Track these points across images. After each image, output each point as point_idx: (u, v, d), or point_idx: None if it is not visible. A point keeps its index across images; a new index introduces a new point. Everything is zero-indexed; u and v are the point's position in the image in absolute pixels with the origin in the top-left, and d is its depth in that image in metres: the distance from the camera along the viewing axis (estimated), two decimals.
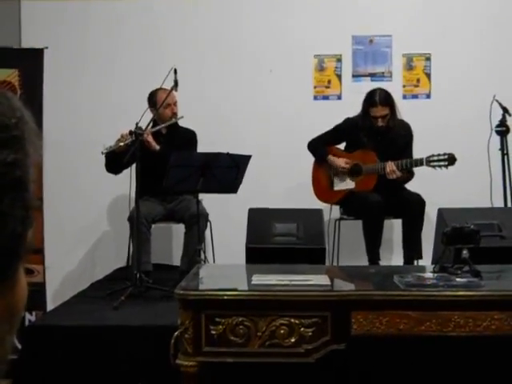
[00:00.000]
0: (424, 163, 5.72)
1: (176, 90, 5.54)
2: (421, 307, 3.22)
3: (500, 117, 6.10)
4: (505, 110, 6.10)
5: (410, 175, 5.94)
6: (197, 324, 3.15)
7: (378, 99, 5.86)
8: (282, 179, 6.76)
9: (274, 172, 6.76)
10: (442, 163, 5.69)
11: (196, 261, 5.19)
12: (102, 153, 5.51)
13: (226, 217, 6.35)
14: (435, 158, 5.70)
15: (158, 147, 5.73)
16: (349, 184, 6.04)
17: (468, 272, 3.53)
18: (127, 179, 5.57)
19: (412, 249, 5.69)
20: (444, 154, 5.69)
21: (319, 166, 6.16)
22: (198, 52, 6.90)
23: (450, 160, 5.68)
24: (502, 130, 6.09)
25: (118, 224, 6.62)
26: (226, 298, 3.16)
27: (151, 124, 5.68)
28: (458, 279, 3.45)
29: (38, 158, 0.97)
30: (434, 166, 5.71)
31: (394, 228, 6.39)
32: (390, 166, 5.76)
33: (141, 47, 6.90)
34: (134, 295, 5.12)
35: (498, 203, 6.05)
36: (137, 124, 5.41)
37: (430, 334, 3.23)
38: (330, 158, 6.08)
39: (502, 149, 6.11)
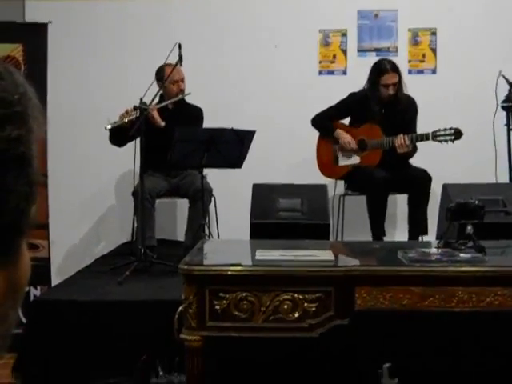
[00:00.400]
0: (430, 138, 5.71)
1: (181, 65, 5.53)
2: (424, 283, 3.22)
3: (506, 92, 6.08)
4: (511, 85, 6.08)
5: (414, 150, 5.93)
6: (201, 299, 3.15)
7: (389, 66, 5.89)
8: (287, 154, 6.75)
9: (278, 147, 6.76)
10: (448, 137, 5.68)
11: (200, 236, 5.20)
12: (106, 128, 5.50)
13: (231, 192, 6.35)
14: (441, 133, 5.69)
15: (162, 124, 5.72)
16: (354, 159, 6.03)
17: (472, 247, 3.53)
18: (131, 154, 5.57)
19: (417, 225, 5.69)
20: (450, 129, 5.68)
21: (324, 141, 6.15)
22: (202, 27, 6.88)
23: (456, 134, 5.66)
24: (508, 105, 6.06)
25: (122, 199, 6.64)
26: (229, 273, 3.17)
27: (157, 99, 5.68)
28: (461, 255, 3.45)
29: (41, 133, 0.97)
30: (440, 141, 5.70)
31: (398, 203, 6.38)
32: (402, 138, 5.74)
33: (145, 22, 6.88)
34: (139, 270, 5.14)
35: (503, 179, 6.05)
36: (141, 99, 5.40)
37: (433, 309, 3.23)
38: (338, 131, 6.06)
39: (507, 124, 6.08)
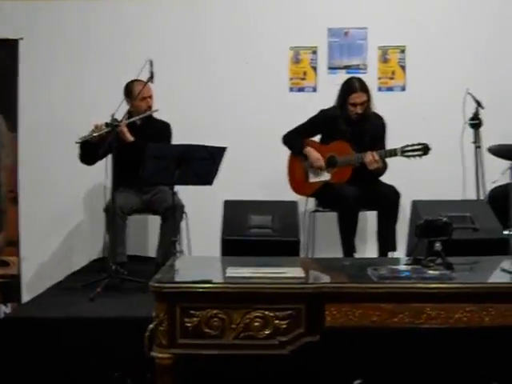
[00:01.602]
0: (399, 153, 5.78)
1: (152, 82, 5.54)
2: (394, 299, 3.25)
3: (473, 110, 6.16)
4: (478, 103, 6.17)
5: (384, 167, 5.98)
6: (171, 316, 3.16)
7: (358, 85, 5.94)
8: (258, 171, 6.78)
9: (249, 164, 6.78)
10: (416, 153, 5.75)
11: (172, 252, 5.20)
12: (76, 142, 5.51)
13: (202, 209, 6.36)
14: (409, 148, 5.75)
15: (132, 139, 5.73)
16: (324, 176, 6.07)
17: (441, 264, 3.56)
18: (103, 170, 5.56)
19: (386, 241, 5.74)
20: (418, 144, 5.75)
21: (294, 159, 6.18)
22: (173, 44, 6.91)
23: (424, 150, 5.73)
24: (475, 123, 6.16)
25: (93, 215, 6.62)
26: (200, 290, 3.18)
27: (126, 115, 5.69)
28: (430, 271, 3.48)
29: (8, 162, 0.99)
30: (408, 156, 5.76)
31: (368, 220, 6.42)
32: (373, 155, 5.80)
33: (116, 39, 6.89)
34: (110, 287, 5.14)
35: (471, 195, 6.12)
36: (113, 115, 5.42)
37: (402, 325, 3.26)
38: (307, 149, 6.10)
39: (475, 142, 6.17)
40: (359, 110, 5.94)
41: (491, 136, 6.04)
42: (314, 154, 6.07)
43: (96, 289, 5.00)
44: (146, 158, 5.20)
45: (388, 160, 5.92)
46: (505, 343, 3.11)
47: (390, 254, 5.71)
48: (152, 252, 6.07)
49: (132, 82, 5.87)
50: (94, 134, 5.45)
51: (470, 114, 6.19)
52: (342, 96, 6.00)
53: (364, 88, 5.96)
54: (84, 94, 6.81)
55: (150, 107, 5.94)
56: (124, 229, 5.72)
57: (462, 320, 3.25)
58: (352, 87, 5.95)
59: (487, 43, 6.85)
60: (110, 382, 4.19)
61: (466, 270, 3.86)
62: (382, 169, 5.95)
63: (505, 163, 5.62)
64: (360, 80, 6.03)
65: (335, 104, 6.07)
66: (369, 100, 5.98)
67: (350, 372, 4.21)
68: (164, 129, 6.09)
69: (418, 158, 5.74)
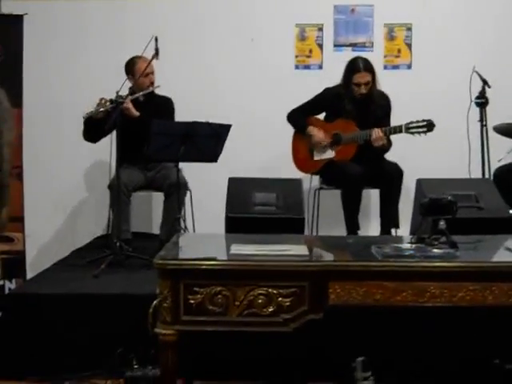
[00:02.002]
0: (403, 130, 5.76)
1: (157, 59, 5.52)
2: (397, 278, 3.24)
3: (480, 88, 6.14)
4: (484, 81, 6.14)
5: (389, 144, 5.97)
6: (175, 293, 3.16)
7: (362, 65, 5.92)
8: (263, 149, 6.78)
9: (254, 141, 6.77)
10: (420, 129, 5.73)
11: (176, 229, 5.22)
12: (83, 117, 5.52)
13: (206, 186, 6.36)
14: (414, 125, 5.74)
15: (137, 114, 5.72)
16: (328, 153, 6.06)
17: (445, 243, 3.56)
18: (107, 147, 5.58)
19: (389, 219, 5.74)
20: (423, 121, 5.73)
21: (299, 136, 6.18)
22: (178, 21, 6.88)
23: (429, 126, 5.72)
24: (481, 101, 6.13)
25: (97, 192, 6.62)
26: (204, 267, 3.18)
27: (130, 92, 5.69)
28: (434, 250, 3.48)
29: (10, 137, 0.98)
30: (412, 133, 5.75)
31: (371, 197, 6.42)
32: (377, 132, 5.79)
33: (122, 14, 6.87)
34: (114, 263, 5.16)
35: (477, 174, 6.11)
36: (117, 92, 5.42)
37: (406, 304, 3.26)
38: (310, 128, 6.10)
39: (481, 120, 6.15)
40: (363, 89, 5.93)
41: (497, 115, 6.01)
42: (316, 134, 6.06)
43: (100, 265, 5.02)
44: (151, 134, 5.21)
45: (393, 138, 5.91)
46: (507, 322, 3.11)
47: (393, 232, 5.72)
48: (156, 229, 6.08)
49: (133, 58, 5.88)
50: (100, 110, 5.45)
51: (476, 93, 6.16)
52: (346, 75, 5.99)
53: (368, 68, 5.93)
54: (89, 71, 6.80)
55: (152, 83, 5.93)
56: (128, 205, 5.73)
57: (465, 299, 3.25)
58: (356, 67, 5.93)
59: (495, 21, 6.83)
60: (113, 358, 4.22)
61: (470, 248, 3.86)
62: (387, 146, 5.94)
63: (510, 142, 5.61)
64: (365, 60, 6.00)
65: (340, 82, 6.05)
66: (373, 80, 5.96)
67: (352, 350, 4.23)
68: (166, 104, 6.09)
69: (422, 134, 5.73)
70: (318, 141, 6.05)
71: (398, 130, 5.80)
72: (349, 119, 5.97)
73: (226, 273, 3.19)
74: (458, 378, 4.13)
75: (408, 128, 5.75)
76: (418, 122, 5.73)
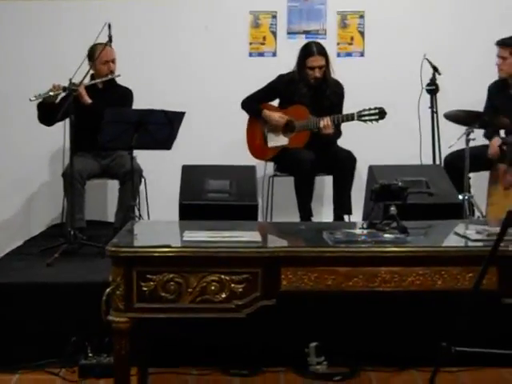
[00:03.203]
0: (355, 118, 5.83)
1: (110, 46, 5.55)
2: (348, 263, 3.27)
3: (430, 75, 6.21)
4: (435, 68, 6.21)
5: (338, 134, 6.03)
6: (128, 281, 3.16)
7: (316, 49, 5.98)
8: (218, 136, 6.79)
9: (208, 129, 6.79)
10: (372, 117, 5.81)
11: (130, 217, 5.22)
12: (30, 100, 5.47)
13: (161, 173, 6.36)
14: (366, 113, 5.82)
15: (89, 101, 5.70)
16: (282, 140, 6.10)
17: (395, 228, 3.60)
18: (61, 134, 5.55)
19: (342, 205, 5.81)
20: (374, 108, 5.82)
21: (253, 123, 6.20)
22: (133, 8, 6.85)
23: (380, 114, 5.80)
24: (432, 88, 6.21)
25: (53, 180, 6.59)
26: (156, 254, 3.18)
27: (88, 78, 5.66)
28: (385, 235, 3.52)
29: None
30: (365, 121, 5.82)
31: (325, 184, 6.47)
32: (325, 120, 5.84)
33: (75, 1, 6.81)
34: (68, 252, 5.16)
35: (427, 160, 6.19)
36: (70, 80, 5.40)
37: (357, 289, 3.29)
38: (265, 112, 6.12)
39: (431, 107, 6.23)
40: (317, 73, 5.97)
41: (448, 102, 6.09)
42: (272, 115, 6.09)
43: (54, 254, 5.01)
44: (103, 122, 5.20)
45: (346, 125, 5.96)
46: (454, 306, 3.16)
47: (346, 218, 5.78)
48: (111, 217, 6.07)
49: (95, 45, 5.83)
50: (51, 94, 5.44)
51: (427, 80, 6.24)
52: (300, 60, 6.03)
53: (322, 52, 5.99)
54: (44, 56, 6.75)
55: (112, 71, 5.92)
56: (83, 194, 5.71)
57: (415, 283, 3.28)
58: (310, 51, 5.99)
59: (445, 9, 6.90)
60: (67, 347, 4.22)
61: (421, 233, 3.90)
62: (334, 135, 5.99)
63: (461, 129, 5.69)
64: (318, 44, 6.08)
65: (294, 69, 6.09)
66: (327, 64, 6.01)
67: (306, 335, 4.28)
68: (126, 95, 6.07)
69: (374, 122, 5.80)
70: (275, 122, 6.07)
71: (350, 117, 5.86)
72: (302, 105, 6.01)
73: (179, 260, 3.20)
74: (408, 361, 4.20)
75: (360, 116, 5.81)
76: (369, 109, 5.80)
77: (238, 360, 4.26)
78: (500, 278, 3.27)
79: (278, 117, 6.08)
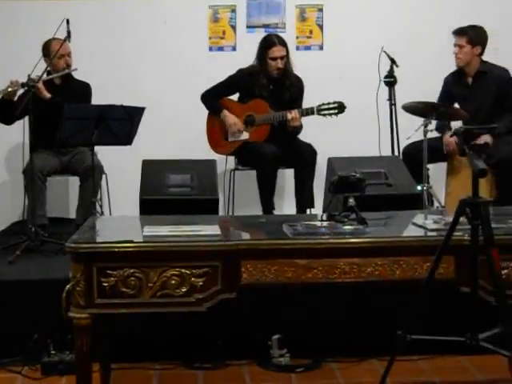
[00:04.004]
0: (315, 112, 5.86)
1: (69, 41, 5.53)
2: (308, 255, 3.30)
3: (388, 68, 6.27)
4: (392, 61, 6.27)
5: (301, 126, 6.06)
6: (88, 276, 3.17)
7: (277, 40, 6.02)
8: (178, 130, 6.78)
9: (169, 123, 6.78)
10: (332, 111, 5.85)
11: (91, 213, 5.21)
12: None
13: (122, 169, 6.34)
14: (325, 107, 5.85)
15: (48, 95, 5.68)
16: (243, 135, 6.12)
17: (354, 219, 3.63)
18: (20, 131, 5.52)
19: (304, 198, 5.84)
20: (334, 103, 5.86)
21: (213, 118, 6.21)
22: (91, 3, 6.81)
23: (340, 108, 5.85)
24: (389, 80, 6.26)
25: (13, 177, 6.54)
26: (116, 250, 3.19)
27: (45, 75, 5.64)
28: (344, 227, 3.55)
29: None
30: (324, 115, 5.86)
31: (287, 177, 6.50)
32: (293, 112, 5.86)
33: None
34: (30, 249, 5.14)
35: (386, 152, 6.24)
36: (29, 76, 5.37)
37: (317, 281, 3.32)
38: (224, 113, 6.14)
39: (389, 99, 6.28)
40: (280, 64, 5.99)
41: (405, 93, 6.12)
42: (230, 119, 6.11)
43: (15, 252, 4.98)
44: (63, 118, 5.18)
45: (305, 118, 5.99)
46: (409, 295, 3.21)
47: (308, 211, 5.81)
48: (73, 213, 6.04)
49: (50, 40, 5.81)
50: (9, 90, 5.41)
51: (384, 72, 6.29)
52: (261, 52, 6.05)
53: (283, 42, 6.04)
54: (0, 54, 6.69)
55: (68, 65, 5.90)
56: (44, 191, 5.69)
57: (374, 274, 3.32)
58: (271, 41, 6.02)
59: (402, 2, 6.95)
60: (29, 345, 4.20)
61: (380, 224, 3.94)
62: (299, 128, 6.03)
63: (418, 120, 5.74)
64: (278, 35, 6.14)
65: (254, 62, 6.10)
66: (287, 55, 6.04)
67: (268, 327, 4.30)
68: (84, 89, 6.05)
69: (334, 116, 5.84)
70: (232, 127, 6.09)
71: (309, 111, 5.90)
72: (262, 100, 6.04)
73: (138, 255, 3.21)
74: (369, 351, 4.24)
75: (319, 110, 5.85)
76: (329, 103, 5.85)
77: (201, 354, 4.27)
78: (457, 267, 3.33)
79: (235, 120, 6.09)
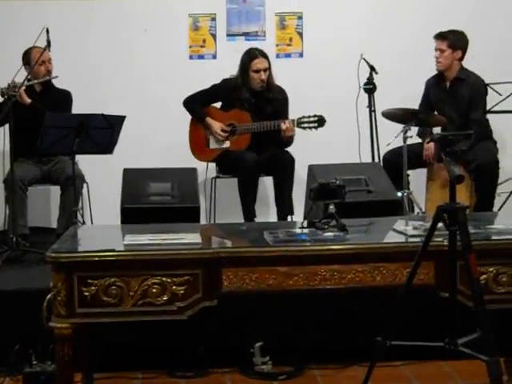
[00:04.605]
0: (295, 124, 5.88)
1: (49, 50, 5.54)
2: (288, 262, 3.30)
3: (367, 75, 6.30)
4: (372, 68, 6.30)
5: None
6: (69, 286, 3.16)
7: (258, 52, 6.07)
8: (159, 139, 6.78)
9: (150, 132, 6.77)
10: (311, 125, 5.88)
11: (73, 222, 5.21)
12: None
13: (103, 178, 6.33)
14: (305, 120, 5.88)
15: (29, 100, 5.68)
16: (224, 143, 6.13)
17: (335, 226, 3.65)
18: (1, 140, 5.52)
19: (284, 206, 5.85)
20: (314, 116, 5.88)
21: (196, 124, 6.23)
22: (71, 12, 6.80)
23: (320, 122, 5.87)
24: (369, 87, 6.29)
25: None
26: (96, 259, 3.18)
27: (26, 82, 5.63)
28: (325, 234, 3.56)
29: None
30: (304, 128, 5.89)
31: (268, 185, 6.51)
32: (288, 122, 5.89)
33: (13, 5, 6.74)
34: (11, 259, 5.15)
35: (366, 158, 6.27)
36: (9, 84, 5.37)
37: (297, 288, 3.32)
38: (209, 120, 6.15)
39: (369, 106, 6.31)
40: (263, 75, 6.02)
41: (385, 100, 6.16)
42: (215, 125, 6.12)
43: None
44: (44, 127, 5.18)
45: None
46: (388, 301, 3.22)
47: (289, 218, 5.83)
48: (54, 223, 6.03)
49: (30, 48, 5.83)
50: None
51: (364, 79, 6.32)
52: (243, 65, 6.08)
53: (264, 54, 6.09)
54: None
55: (49, 71, 5.92)
56: (25, 200, 5.69)
57: (354, 280, 3.33)
58: (253, 54, 6.06)
59: (380, 9, 6.99)
60: (11, 355, 4.18)
61: (361, 231, 3.96)
62: (292, 138, 6.05)
63: (398, 127, 5.78)
64: (259, 49, 6.16)
65: (237, 74, 6.12)
66: (269, 68, 6.06)
67: (250, 335, 4.31)
68: (64, 97, 6.06)
69: (313, 129, 5.87)
70: (218, 130, 6.10)
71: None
72: (244, 110, 6.06)
73: (119, 263, 3.21)
74: (351, 357, 4.25)
75: (299, 123, 5.88)
76: (309, 117, 5.88)
77: (183, 362, 4.27)
78: (436, 273, 3.34)
79: (219, 129, 6.10)
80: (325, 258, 3.34)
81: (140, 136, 6.62)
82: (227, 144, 6.12)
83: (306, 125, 5.86)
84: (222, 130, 6.10)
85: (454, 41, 6.12)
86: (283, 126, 5.89)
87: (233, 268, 3.28)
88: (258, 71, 6.02)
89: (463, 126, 6.00)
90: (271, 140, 6.00)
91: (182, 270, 3.24)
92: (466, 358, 3.22)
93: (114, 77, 6.85)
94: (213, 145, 6.17)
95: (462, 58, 6.18)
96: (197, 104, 6.19)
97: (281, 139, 5.97)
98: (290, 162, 5.89)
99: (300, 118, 5.88)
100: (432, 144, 5.88)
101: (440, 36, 6.14)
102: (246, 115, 6.05)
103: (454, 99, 6.15)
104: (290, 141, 6.04)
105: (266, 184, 6.53)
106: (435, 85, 6.31)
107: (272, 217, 6.16)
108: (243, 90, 6.05)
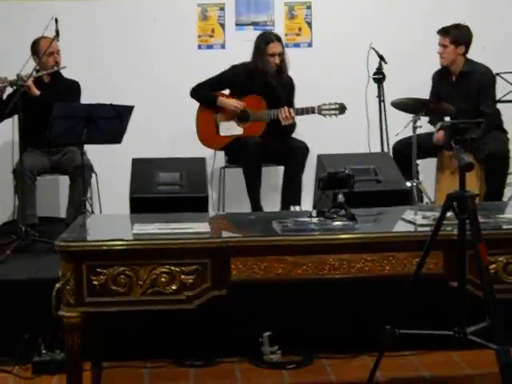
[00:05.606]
0: (316, 111, 5.88)
1: (58, 40, 5.52)
2: (297, 251, 3.30)
3: (377, 64, 6.28)
4: (381, 57, 6.28)
5: (294, 125, 6.08)
6: (78, 275, 3.17)
7: (274, 36, 6.08)
8: (167, 129, 6.78)
9: (158, 121, 6.77)
10: (333, 112, 5.89)
11: (82, 212, 5.21)
12: None
13: (112, 167, 6.33)
14: (327, 107, 5.89)
15: (38, 92, 5.67)
16: (236, 130, 6.11)
17: (344, 216, 3.64)
18: (10, 130, 5.52)
19: (291, 195, 5.84)
20: (335, 104, 5.91)
21: (204, 112, 6.20)
22: (79, 2, 6.80)
23: (341, 109, 5.91)
24: (378, 77, 6.27)
25: (2, 177, 6.52)
26: (105, 248, 3.19)
27: (34, 72, 5.63)
28: (334, 223, 3.56)
29: None
30: (325, 115, 5.89)
31: (280, 175, 6.48)
32: (286, 110, 5.88)
33: None
34: (20, 249, 5.15)
35: (375, 148, 6.26)
36: (18, 75, 5.37)
37: (306, 277, 3.32)
38: (221, 99, 6.14)
39: (378, 96, 6.29)
40: (277, 60, 6.02)
41: (394, 90, 6.16)
42: (230, 101, 6.10)
43: (6, 251, 4.98)
44: (52, 117, 5.18)
45: (297, 117, 6.00)
46: (397, 290, 3.22)
47: (293, 208, 5.80)
48: (63, 213, 6.05)
49: (39, 38, 5.83)
50: None
51: (373, 69, 6.30)
52: (259, 49, 6.07)
53: (279, 39, 6.11)
54: None
55: (57, 63, 5.91)
56: (34, 190, 5.70)
57: (363, 269, 3.33)
58: (269, 38, 6.08)
59: None
60: (20, 344, 4.20)
61: (369, 220, 3.96)
62: (293, 126, 6.04)
63: (407, 116, 5.76)
64: (273, 32, 6.21)
65: (251, 59, 6.11)
66: (284, 52, 6.06)
67: (259, 324, 4.31)
68: (73, 87, 6.05)
69: (334, 116, 5.87)
70: (233, 108, 6.08)
71: (310, 111, 5.93)
72: (258, 96, 6.04)
73: (128, 253, 3.21)
74: (360, 347, 4.25)
75: (321, 110, 5.89)
76: (330, 104, 5.90)
77: (192, 351, 4.27)
78: (445, 262, 3.34)
79: (235, 103, 6.09)
80: (334, 248, 3.34)
81: (149, 126, 6.61)
82: (239, 131, 6.09)
83: (327, 112, 5.88)
84: (238, 103, 6.07)
85: (457, 36, 6.07)
86: (281, 115, 5.88)
87: (241, 257, 3.28)
88: (273, 55, 6.01)
89: (474, 118, 5.97)
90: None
91: (191, 260, 3.24)
92: (475, 347, 3.23)
93: (122, 67, 6.84)
94: (223, 132, 6.15)
95: (466, 53, 6.13)
96: (206, 90, 6.17)
97: (281, 127, 5.95)
98: (303, 150, 5.89)
99: (321, 106, 5.89)
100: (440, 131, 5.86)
101: (442, 31, 6.11)
102: (260, 101, 6.05)
103: (462, 93, 6.11)
104: (289, 130, 6.03)
105: (278, 173, 6.51)
106: (441, 79, 6.27)
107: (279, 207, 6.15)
108: (258, 74, 6.03)
